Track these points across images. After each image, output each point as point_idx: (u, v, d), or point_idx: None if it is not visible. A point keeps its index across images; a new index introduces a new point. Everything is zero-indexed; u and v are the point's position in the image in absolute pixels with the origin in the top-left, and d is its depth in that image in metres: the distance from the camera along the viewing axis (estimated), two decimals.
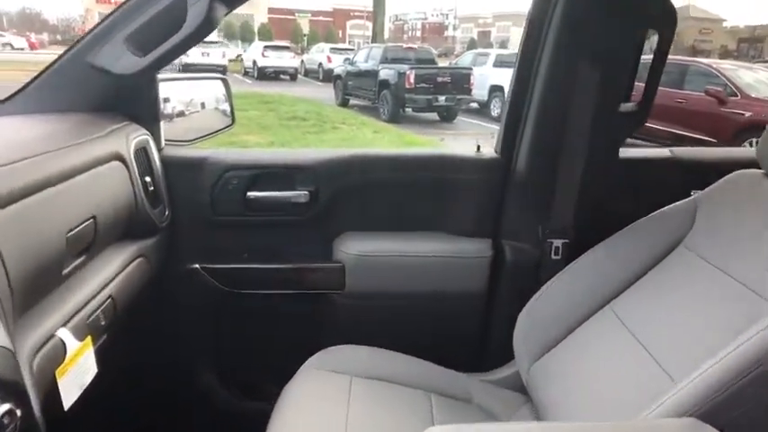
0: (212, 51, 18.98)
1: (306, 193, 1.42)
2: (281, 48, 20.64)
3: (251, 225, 1.45)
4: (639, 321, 1.10)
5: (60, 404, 0.83)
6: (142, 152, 1.23)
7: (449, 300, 1.50)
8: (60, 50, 1.21)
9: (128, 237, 1.18)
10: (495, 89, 12.29)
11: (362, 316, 1.49)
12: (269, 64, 19.55)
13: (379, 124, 10.79)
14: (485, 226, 1.50)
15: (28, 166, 0.82)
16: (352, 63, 13.76)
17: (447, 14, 77.97)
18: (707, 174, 1.26)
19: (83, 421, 0.97)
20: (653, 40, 1.39)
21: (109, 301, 1.02)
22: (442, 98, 11.17)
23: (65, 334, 0.85)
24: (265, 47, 20.24)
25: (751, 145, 7.23)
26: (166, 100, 1.46)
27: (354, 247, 1.45)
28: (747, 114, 7.74)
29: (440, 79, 11.25)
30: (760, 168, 1.11)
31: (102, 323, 0.99)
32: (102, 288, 1.01)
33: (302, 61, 22.45)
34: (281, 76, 19.77)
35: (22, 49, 27.99)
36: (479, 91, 12.26)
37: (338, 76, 13.92)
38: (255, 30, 47.81)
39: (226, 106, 1.64)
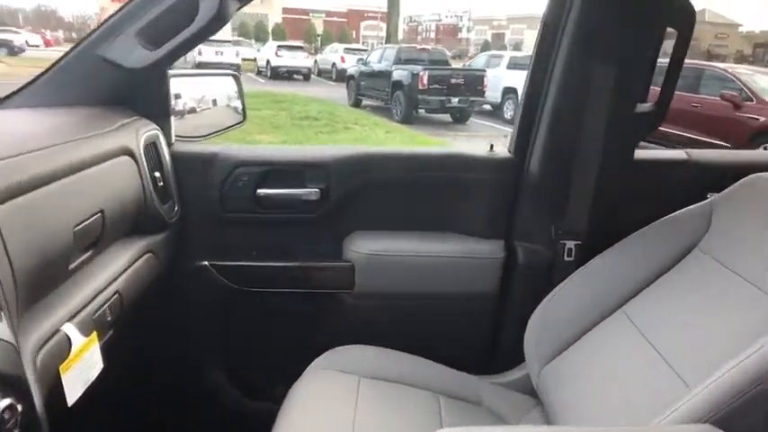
0: (226, 50, 19.09)
1: (317, 190, 1.41)
2: (294, 47, 20.69)
3: (261, 222, 1.44)
4: (653, 325, 1.07)
5: (64, 400, 0.82)
6: (152, 147, 1.22)
7: (459, 301, 1.48)
8: None
9: (136, 232, 1.17)
10: (509, 91, 12.25)
11: (372, 316, 1.47)
12: (282, 63, 19.60)
13: (391, 125, 10.78)
14: (497, 227, 1.48)
15: (35, 159, 0.81)
16: (365, 63, 13.76)
17: (461, 16, 77.92)
18: (723, 176, 1.24)
19: (87, 417, 0.96)
20: (665, 46, 1.36)
21: (116, 296, 1.01)
22: (455, 99, 11.14)
23: (70, 329, 0.85)
24: (279, 46, 20.30)
25: (766, 149, 7.16)
26: (178, 96, 1.45)
27: (365, 247, 1.44)
28: (762, 119, 7.68)
29: (453, 81, 11.22)
30: None
31: (109, 319, 0.98)
32: (110, 283, 1.00)
33: (315, 61, 22.51)
34: (295, 76, 19.82)
35: (37, 46, 28.31)
36: (493, 93, 12.23)
37: (351, 77, 13.93)
38: (270, 29, 48.05)
39: (237, 103, 1.63)
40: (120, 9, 1.13)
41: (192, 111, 1.54)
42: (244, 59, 20.68)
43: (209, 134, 1.54)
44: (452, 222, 1.50)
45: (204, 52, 18.41)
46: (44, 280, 0.82)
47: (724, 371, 0.79)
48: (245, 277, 1.44)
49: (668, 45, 1.38)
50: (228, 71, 1.71)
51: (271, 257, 1.45)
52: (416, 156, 1.52)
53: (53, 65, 1.15)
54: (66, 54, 1.15)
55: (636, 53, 1.31)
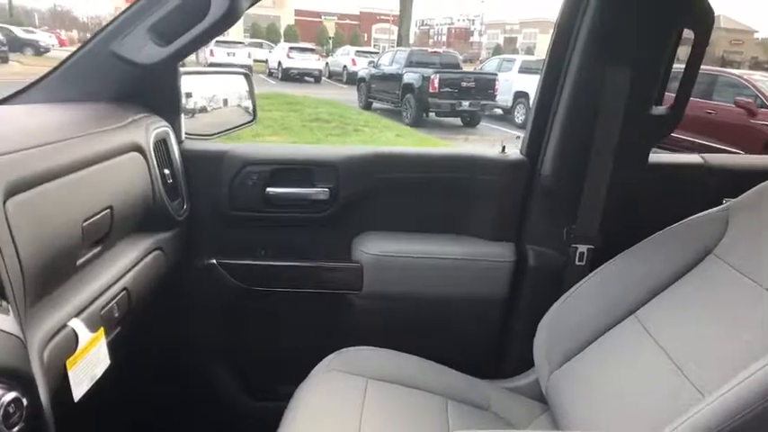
0: (238, 51, 19.21)
1: (326, 190, 1.41)
2: (306, 50, 20.76)
3: (269, 221, 1.44)
4: (666, 331, 1.05)
5: (70, 395, 0.82)
6: (162, 144, 1.22)
7: (469, 304, 1.46)
8: None
9: (145, 229, 1.17)
10: (520, 95, 12.22)
11: (380, 317, 1.46)
12: (294, 65, 19.68)
13: (401, 128, 10.78)
14: (508, 229, 1.47)
15: (44, 153, 0.81)
16: (376, 66, 13.79)
17: (473, 20, 77.88)
18: (740, 181, 1.22)
19: (93, 414, 0.96)
20: (679, 52, 1.35)
21: (123, 293, 1.01)
22: (465, 103, 11.13)
23: (77, 325, 0.84)
24: (291, 48, 20.38)
25: None
26: (189, 95, 1.45)
27: (374, 247, 1.43)
28: None
29: (464, 84, 11.21)
30: None
31: (116, 315, 0.98)
32: (117, 280, 1.00)
33: (327, 63, 22.56)
34: (306, 78, 19.88)
35: (53, 45, 28.62)
36: (504, 97, 12.21)
37: (362, 79, 13.95)
38: (282, 31, 48.28)
39: (248, 103, 1.63)
40: (132, 5, 1.13)
41: (203, 110, 1.54)
42: (256, 60, 20.81)
43: (220, 132, 1.54)
44: (462, 224, 1.49)
45: (216, 53, 18.57)
46: (52, 275, 0.82)
47: (739, 380, 0.77)
48: (252, 276, 1.44)
49: (681, 52, 1.36)
50: (240, 70, 1.71)
51: (279, 257, 1.45)
52: (427, 156, 1.51)
53: (64, 61, 1.15)
54: (78, 50, 1.15)
55: (651, 55, 1.30)
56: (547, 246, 1.44)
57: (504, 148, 1.48)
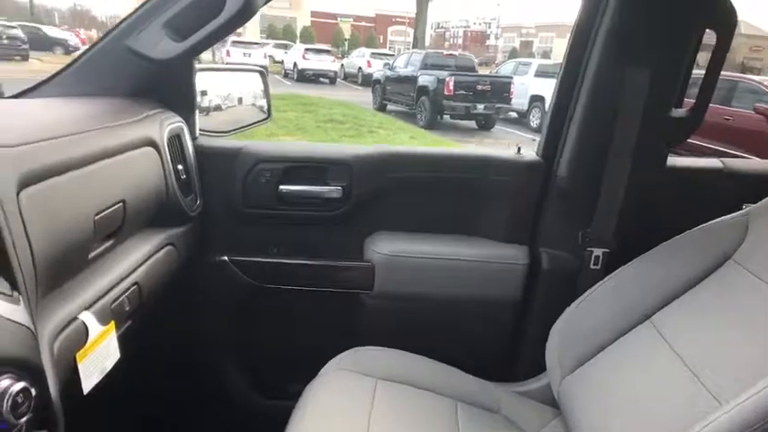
0: (254, 52, 19.34)
1: (339, 188, 1.40)
2: (321, 51, 20.84)
3: (282, 219, 1.44)
4: (682, 338, 1.03)
5: (80, 388, 0.82)
6: (176, 140, 1.22)
7: (481, 306, 1.45)
8: None
9: (157, 224, 1.17)
10: (536, 99, 12.16)
11: (390, 317, 1.45)
12: (309, 66, 19.76)
13: (415, 130, 10.78)
14: (522, 231, 1.45)
15: (58, 146, 0.81)
16: (391, 68, 13.79)
17: (489, 23, 77.75)
18: (760, 187, 1.20)
19: (102, 407, 0.96)
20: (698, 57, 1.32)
21: (134, 287, 1.01)
22: (480, 106, 11.09)
23: (88, 317, 0.84)
24: (306, 49, 20.48)
25: None
26: (204, 93, 1.46)
27: (385, 247, 1.42)
28: None
29: (479, 87, 11.17)
30: None
31: (127, 309, 0.98)
32: (129, 274, 1.00)
33: (342, 65, 22.63)
34: (321, 80, 19.96)
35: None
36: (519, 100, 12.15)
37: (377, 81, 13.97)
38: (298, 33, 48.53)
39: (263, 102, 1.63)
40: (148, 1, 1.14)
41: (218, 108, 1.55)
42: (275, 62, 20.94)
43: (234, 130, 1.55)
44: (476, 225, 1.47)
45: (232, 53, 18.72)
46: (64, 267, 0.82)
47: (758, 389, 0.75)
48: (264, 274, 1.44)
49: (700, 58, 1.34)
50: (255, 68, 1.71)
51: (290, 255, 1.45)
52: (441, 156, 1.50)
53: (81, 55, 1.16)
54: (94, 45, 1.16)
55: (672, 56, 1.28)
56: (561, 249, 1.42)
57: (519, 149, 1.46)
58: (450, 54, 14.77)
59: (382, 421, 1.07)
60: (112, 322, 0.91)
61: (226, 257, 1.42)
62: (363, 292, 1.44)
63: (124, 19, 1.15)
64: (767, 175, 1.50)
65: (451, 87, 10.89)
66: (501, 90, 11.39)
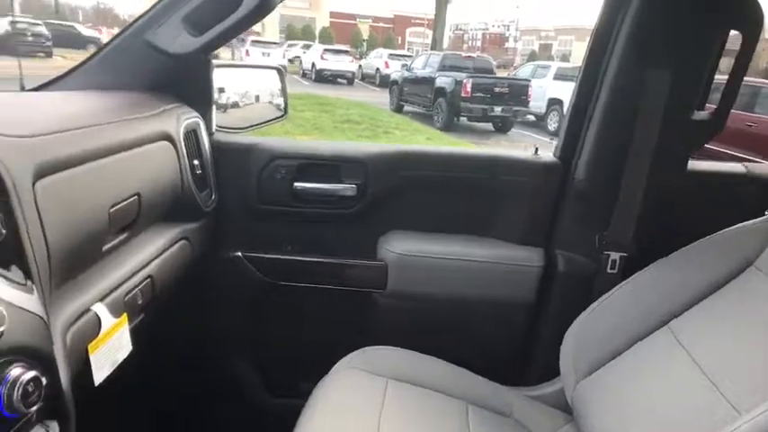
0: (273, 51, 19.47)
1: (353, 186, 1.39)
2: (340, 51, 20.89)
3: (296, 216, 1.43)
4: (701, 345, 1.01)
5: (91, 379, 0.82)
6: (192, 134, 1.22)
7: (494, 308, 1.43)
8: None
9: (172, 218, 1.17)
10: (554, 102, 12.06)
11: (403, 317, 1.44)
12: (327, 67, 19.82)
13: (432, 131, 10.76)
14: (537, 233, 1.43)
15: (75, 137, 0.81)
16: (409, 69, 13.78)
17: (508, 26, 77.43)
18: None
19: (112, 399, 0.96)
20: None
21: (148, 280, 1.01)
22: (498, 108, 11.04)
23: (101, 309, 0.85)
24: (325, 50, 20.55)
25: None
26: (222, 90, 1.46)
27: (399, 246, 1.41)
28: None
29: (497, 89, 11.12)
30: None
31: (140, 302, 0.98)
32: (142, 267, 1.00)
33: (360, 66, 22.67)
34: (339, 80, 20.01)
35: None
36: (537, 103, 12.07)
37: (395, 82, 13.97)
38: (316, 33, 48.74)
39: (280, 101, 1.64)
40: None
41: (235, 105, 1.55)
42: (293, 59, 21.05)
43: (251, 126, 1.55)
44: (491, 226, 1.46)
45: (252, 53, 18.85)
46: (78, 259, 0.82)
47: None
48: (277, 270, 1.43)
49: (722, 64, 1.31)
50: (272, 65, 1.71)
51: (304, 252, 1.44)
52: (456, 155, 1.49)
53: (100, 49, 1.17)
54: (114, 39, 1.17)
55: (694, 57, 1.25)
56: (577, 252, 1.40)
57: (536, 149, 1.45)
58: (469, 56, 14.71)
59: (392, 421, 1.06)
60: (125, 315, 0.92)
61: (239, 253, 1.42)
62: (376, 290, 1.43)
63: (144, 13, 1.16)
64: None
65: (469, 89, 10.85)
66: (519, 93, 11.33)
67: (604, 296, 1.21)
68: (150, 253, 1.05)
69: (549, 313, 1.42)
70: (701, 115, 1.30)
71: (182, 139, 1.15)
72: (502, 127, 11.74)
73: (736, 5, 1.22)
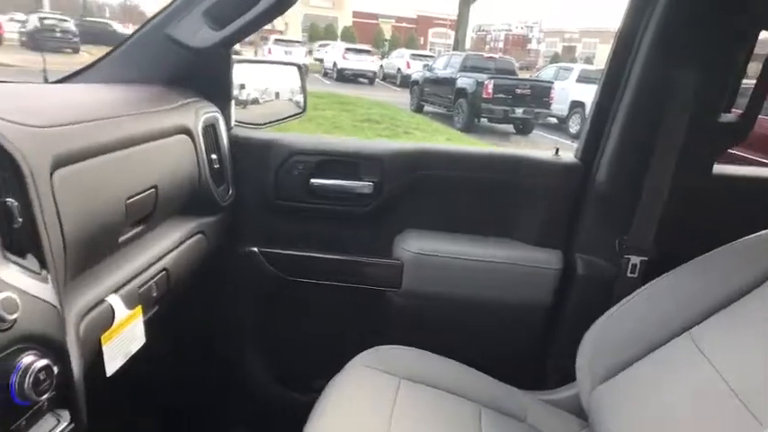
0: (295, 50, 19.59)
1: (370, 184, 1.39)
2: (361, 51, 20.92)
3: (312, 212, 1.43)
4: (722, 353, 0.98)
5: (103, 370, 0.82)
6: (211, 129, 1.22)
7: (510, 310, 1.41)
8: None
9: (188, 212, 1.17)
10: (576, 105, 11.93)
11: (417, 317, 1.43)
12: (348, 66, 19.87)
13: (451, 132, 10.72)
14: (556, 235, 1.41)
15: (94, 128, 0.82)
16: (430, 69, 13.75)
17: (532, 27, 76.85)
18: None
19: (124, 390, 0.97)
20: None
21: (163, 273, 1.02)
22: (519, 110, 10.96)
23: (115, 300, 0.85)
24: (347, 49, 20.60)
25: None
26: (242, 86, 1.47)
27: (415, 245, 1.40)
28: None
29: (519, 91, 11.03)
30: None
31: (154, 295, 0.99)
32: (158, 260, 1.01)
33: (381, 66, 22.68)
34: (360, 79, 20.04)
35: None
36: (559, 106, 11.96)
37: (415, 82, 13.95)
38: (339, 32, 48.90)
39: (300, 98, 1.64)
40: None
41: (255, 102, 1.56)
42: (316, 59, 21.15)
43: (269, 123, 1.55)
44: (509, 227, 1.44)
45: (274, 51, 19.00)
46: (93, 249, 0.83)
47: None
48: (292, 266, 1.43)
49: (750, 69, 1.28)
50: (292, 62, 1.72)
51: (319, 248, 1.44)
52: (475, 155, 1.47)
53: (121, 43, 1.17)
54: (136, 32, 1.17)
55: (723, 58, 1.22)
56: (597, 255, 1.37)
57: (557, 150, 1.42)
58: (491, 57, 14.64)
59: (404, 421, 1.05)
60: (139, 307, 0.92)
61: (255, 248, 1.42)
62: (391, 289, 1.42)
63: (165, 7, 1.16)
64: None
65: (490, 90, 10.79)
66: (541, 94, 11.23)
67: (624, 301, 1.19)
68: (166, 246, 1.05)
69: (566, 317, 1.40)
70: (728, 118, 1.27)
71: (200, 134, 1.15)
72: (523, 129, 11.64)
73: (767, 5, 1.19)
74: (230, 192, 1.31)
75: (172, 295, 1.07)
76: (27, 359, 0.61)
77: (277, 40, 20.63)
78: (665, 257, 1.22)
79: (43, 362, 0.62)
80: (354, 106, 11.68)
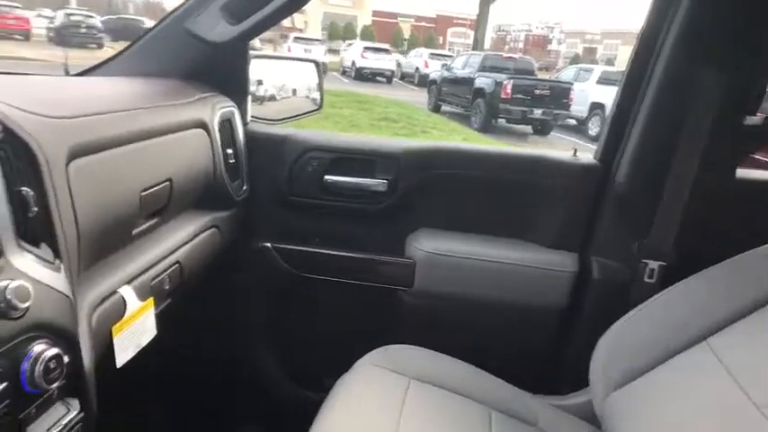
0: (314, 48, 19.67)
1: (384, 181, 1.38)
2: (380, 50, 20.92)
3: (326, 209, 1.43)
4: (742, 363, 0.95)
5: (113, 361, 0.83)
6: (227, 124, 1.23)
7: (524, 312, 1.40)
8: None
9: (203, 206, 1.18)
10: (596, 107, 11.80)
11: (428, 317, 1.42)
12: (367, 65, 19.89)
13: (469, 132, 10.68)
14: (572, 238, 1.39)
15: (110, 120, 0.82)
16: (448, 69, 13.70)
17: (552, 28, 76.22)
18: None
19: (134, 382, 0.97)
20: None
21: (176, 266, 1.02)
22: (537, 111, 10.87)
23: (127, 292, 0.85)
24: (365, 48, 20.62)
25: None
26: (260, 83, 1.47)
27: (428, 245, 1.39)
28: None
29: (538, 92, 10.94)
30: None
31: (167, 287, 0.99)
32: (171, 252, 1.01)
33: (399, 65, 22.65)
34: (378, 78, 20.04)
35: None
36: (579, 107, 11.84)
37: (433, 81, 13.91)
38: (358, 31, 48.95)
39: (317, 95, 1.63)
40: None
41: (272, 98, 1.56)
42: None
43: (285, 119, 1.55)
44: (524, 228, 1.42)
45: (293, 49, 19.11)
46: (107, 241, 0.83)
47: None
48: (304, 263, 1.43)
49: None
50: (309, 58, 1.72)
51: (332, 245, 1.44)
52: (491, 154, 1.45)
53: (140, 37, 1.18)
54: (155, 26, 1.18)
55: (750, 59, 1.19)
56: (614, 259, 1.35)
57: (575, 151, 1.40)
58: (510, 57, 14.55)
59: (412, 421, 1.04)
60: (151, 299, 0.92)
61: (268, 244, 1.42)
62: (402, 288, 1.42)
63: (184, 2, 1.16)
64: None
65: (509, 90, 10.72)
66: (560, 96, 11.13)
67: (641, 305, 1.16)
68: (180, 239, 1.05)
69: (580, 321, 1.38)
70: (753, 120, 1.24)
71: (216, 128, 1.15)
72: (541, 130, 11.55)
73: None
74: (245, 187, 1.31)
75: (184, 288, 1.07)
76: (38, 347, 0.61)
77: (297, 38, 20.72)
78: (685, 263, 1.19)
79: (54, 351, 0.62)
80: (372, 105, 11.69)
